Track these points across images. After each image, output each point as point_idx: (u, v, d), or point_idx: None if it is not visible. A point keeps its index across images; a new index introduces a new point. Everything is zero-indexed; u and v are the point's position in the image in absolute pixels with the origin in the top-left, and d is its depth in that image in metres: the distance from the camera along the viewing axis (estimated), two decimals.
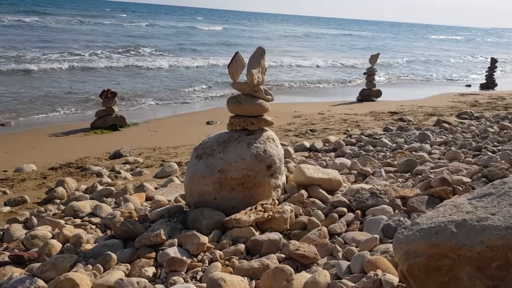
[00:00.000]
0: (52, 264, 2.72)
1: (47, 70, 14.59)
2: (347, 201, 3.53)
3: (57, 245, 3.06)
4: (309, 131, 7.89)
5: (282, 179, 3.73)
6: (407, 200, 3.39)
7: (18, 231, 3.52)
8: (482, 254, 1.86)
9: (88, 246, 3.09)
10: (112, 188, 4.59)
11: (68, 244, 3.05)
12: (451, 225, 1.96)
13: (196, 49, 24.65)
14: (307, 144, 6.34)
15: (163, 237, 2.99)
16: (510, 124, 7.28)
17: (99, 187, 4.68)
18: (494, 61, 17.27)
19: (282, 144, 4.26)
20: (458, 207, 2.10)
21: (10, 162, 5.87)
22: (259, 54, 3.60)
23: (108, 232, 3.43)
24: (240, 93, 3.63)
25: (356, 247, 2.87)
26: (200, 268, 2.74)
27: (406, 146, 5.99)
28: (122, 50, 21.28)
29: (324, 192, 3.74)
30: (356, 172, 4.66)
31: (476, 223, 1.93)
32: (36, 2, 62.60)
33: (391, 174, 4.49)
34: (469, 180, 3.84)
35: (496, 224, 1.88)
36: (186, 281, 2.59)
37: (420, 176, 4.19)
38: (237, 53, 3.55)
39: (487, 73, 17.31)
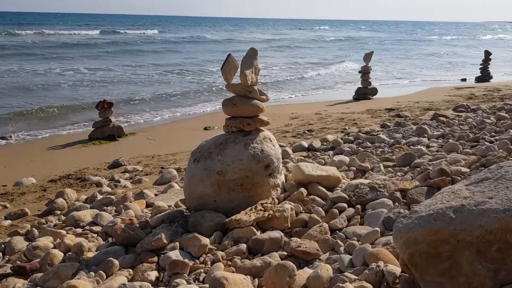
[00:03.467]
0: (54, 273, 2.72)
1: None
2: (347, 197, 3.53)
3: (59, 254, 3.05)
4: (306, 132, 7.89)
5: (281, 178, 3.74)
6: (407, 192, 3.40)
7: (20, 243, 3.51)
8: (482, 238, 1.87)
9: (90, 254, 3.09)
10: (112, 196, 4.59)
11: (70, 253, 3.05)
12: (449, 211, 1.97)
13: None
14: (305, 144, 6.34)
15: (165, 241, 2.99)
16: (507, 115, 7.29)
17: (99, 197, 4.68)
18: (488, 53, 17.30)
19: (280, 145, 4.26)
20: (455, 193, 2.11)
21: (9, 176, 5.87)
22: (252, 54, 3.61)
23: (110, 239, 3.42)
24: (234, 94, 3.64)
25: (358, 241, 2.87)
26: (202, 270, 2.74)
27: (404, 141, 5.99)
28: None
29: (323, 189, 3.74)
30: (355, 168, 4.67)
31: (474, 207, 1.94)
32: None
33: (390, 169, 4.50)
34: (468, 170, 3.85)
35: (494, 208, 1.89)
36: (189, 283, 2.59)
37: (418, 168, 4.20)
38: (229, 55, 3.56)
39: (481, 66, 17.34)
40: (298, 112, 10.14)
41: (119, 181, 5.42)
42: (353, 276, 2.37)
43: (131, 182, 5.46)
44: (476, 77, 17.28)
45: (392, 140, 6.08)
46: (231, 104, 3.60)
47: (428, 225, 1.97)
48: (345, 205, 3.44)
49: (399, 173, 4.31)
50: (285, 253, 2.85)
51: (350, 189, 3.65)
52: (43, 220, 4.19)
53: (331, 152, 5.85)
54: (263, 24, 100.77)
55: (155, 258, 2.89)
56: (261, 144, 3.56)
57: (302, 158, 5.50)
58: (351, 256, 2.63)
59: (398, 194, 3.44)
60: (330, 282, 2.37)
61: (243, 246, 2.95)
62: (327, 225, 3.14)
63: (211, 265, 2.78)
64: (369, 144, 6.02)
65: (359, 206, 3.38)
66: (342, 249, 2.82)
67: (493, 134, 5.75)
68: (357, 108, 10.60)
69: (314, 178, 3.82)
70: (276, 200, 3.49)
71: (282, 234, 3.04)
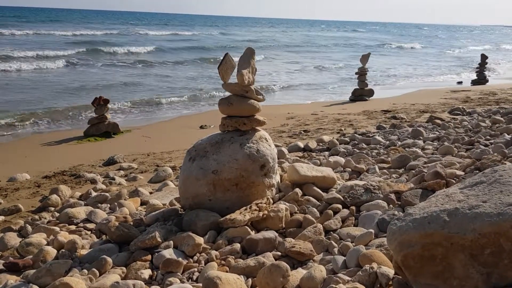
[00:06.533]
0: (47, 270, 2.71)
1: None
2: (342, 198, 3.54)
3: (52, 251, 3.04)
4: (302, 132, 7.90)
5: (276, 178, 3.74)
6: (401, 195, 3.41)
7: (13, 239, 3.49)
8: (475, 242, 1.87)
9: (84, 252, 3.08)
10: (107, 194, 4.57)
11: (63, 250, 3.04)
12: (444, 214, 1.98)
13: None
14: (301, 144, 6.35)
15: (159, 239, 2.98)
16: (502, 118, 7.32)
17: (94, 194, 4.66)
18: (484, 57, 17.39)
19: (276, 145, 4.26)
20: (450, 197, 2.12)
21: (3, 172, 5.83)
22: (249, 54, 3.61)
23: (104, 237, 3.41)
24: (231, 94, 3.64)
25: (352, 242, 2.88)
26: (196, 269, 2.74)
27: (399, 143, 6.01)
28: None
29: (318, 190, 3.75)
30: (350, 169, 4.67)
31: (468, 211, 1.95)
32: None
33: (385, 171, 4.51)
34: (462, 173, 3.86)
35: (487, 211, 1.90)
36: (182, 282, 2.58)
37: (413, 171, 4.21)
38: (226, 54, 3.56)
39: (478, 69, 17.41)
40: (295, 113, 10.15)
41: (114, 179, 5.41)
42: (346, 277, 2.38)
43: (126, 180, 5.44)
44: (472, 80, 17.36)
45: (387, 142, 6.09)
46: (227, 103, 3.60)
47: (422, 227, 1.98)
48: (339, 206, 3.44)
49: (394, 175, 4.32)
50: (279, 253, 2.85)
51: (345, 190, 3.66)
52: (36, 217, 4.17)
53: (326, 153, 5.86)
54: (268, 23, 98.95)
55: (149, 257, 2.89)
56: (256, 144, 3.56)
57: (298, 158, 5.50)
58: (345, 257, 2.63)
59: (392, 196, 3.45)
60: (324, 283, 2.37)
61: (237, 245, 2.95)
62: (321, 226, 3.14)
63: (205, 264, 2.78)
64: (364, 146, 6.03)
65: (353, 208, 3.38)
66: (336, 250, 2.83)
67: (488, 137, 5.77)
68: (353, 109, 10.63)
69: (309, 179, 3.83)
70: (271, 200, 3.49)
71: (277, 234, 3.04)
